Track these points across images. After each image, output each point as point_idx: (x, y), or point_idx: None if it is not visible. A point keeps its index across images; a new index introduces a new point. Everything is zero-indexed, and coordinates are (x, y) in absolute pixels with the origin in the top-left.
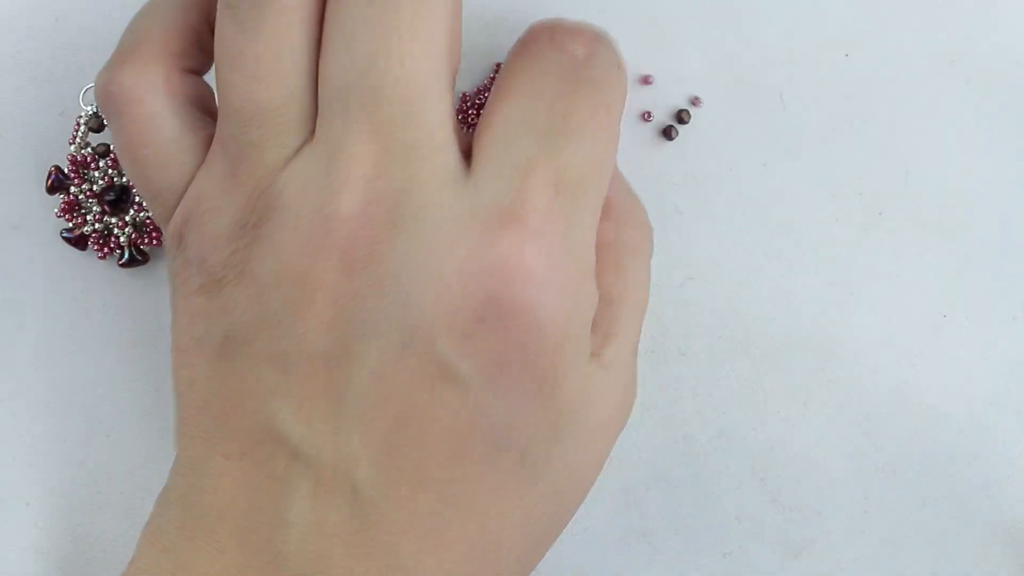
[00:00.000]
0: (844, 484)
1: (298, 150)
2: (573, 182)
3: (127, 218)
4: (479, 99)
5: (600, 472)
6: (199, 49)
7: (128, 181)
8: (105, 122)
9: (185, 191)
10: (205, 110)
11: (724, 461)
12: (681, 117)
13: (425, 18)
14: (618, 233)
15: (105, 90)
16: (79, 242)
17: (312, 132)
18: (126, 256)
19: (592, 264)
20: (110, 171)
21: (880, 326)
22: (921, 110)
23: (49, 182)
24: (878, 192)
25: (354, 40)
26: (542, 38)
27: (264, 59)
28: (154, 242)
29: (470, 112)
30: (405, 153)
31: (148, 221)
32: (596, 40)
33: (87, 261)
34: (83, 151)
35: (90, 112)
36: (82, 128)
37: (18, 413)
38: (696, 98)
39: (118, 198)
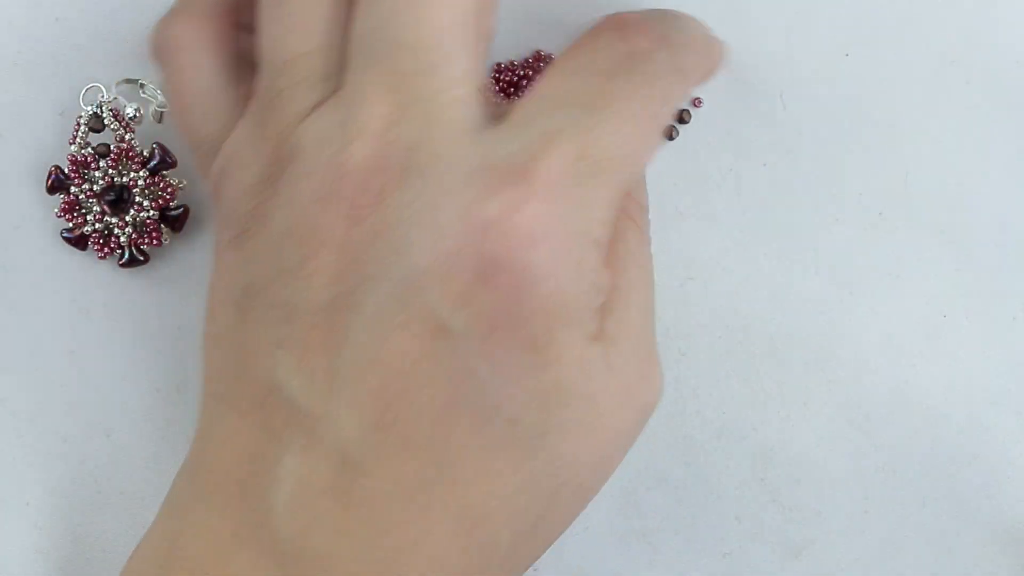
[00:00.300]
0: (844, 484)
1: (322, 93)
2: (596, 160)
3: (127, 218)
4: None
5: (608, 473)
6: (252, 7)
7: (128, 181)
8: (105, 122)
9: (224, 142)
10: (254, 66)
11: (724, 461)
12: (682, 117)
13: None
14: (618, 222)
15: (156, 40)
16: (79, 242)
17: (337, 80)
18: (126, 256)
19: (602, 246)
20: (110, 171)
21: (880, 326)
22: (921, 110)
23: (49, 182)
24: (878, 192)
25: (379, 3)
26: (610, 27)
27: (299, 11)
28: (154, 242)
29: None
30: (421, 106)
31: (148, 221)
32: (663, 39)
33: (87, 261)
34: (83, 151)
35: (90, 112)
36: (82, 128)
37: (18, 413)
38: (697, 99)
39: (118, 198)
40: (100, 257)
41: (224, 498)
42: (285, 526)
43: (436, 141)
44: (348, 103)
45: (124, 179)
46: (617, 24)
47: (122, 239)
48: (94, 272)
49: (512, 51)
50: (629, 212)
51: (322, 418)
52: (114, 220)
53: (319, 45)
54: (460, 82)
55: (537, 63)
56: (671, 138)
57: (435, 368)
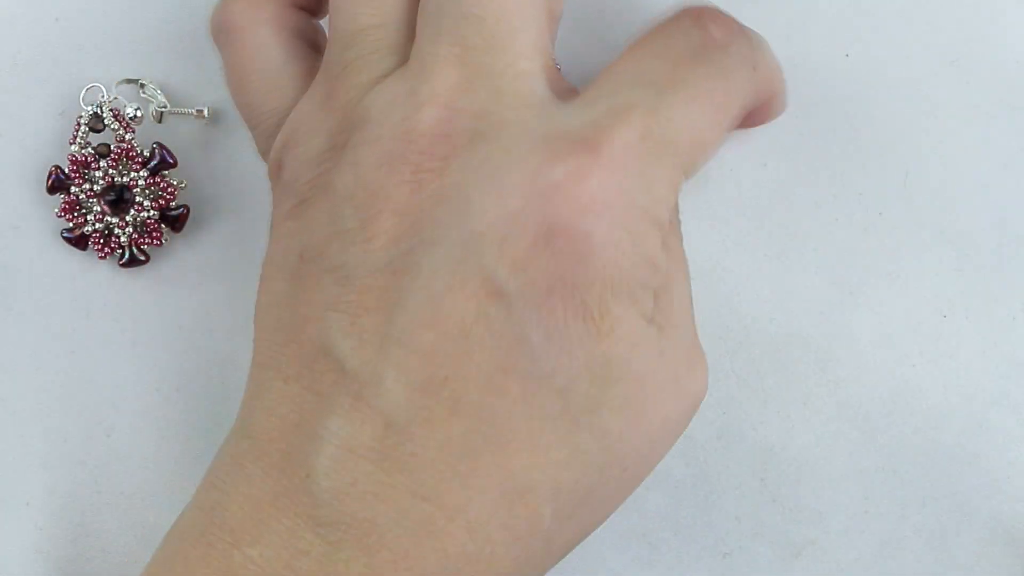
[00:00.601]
0: (844, 484)
1: (391, 63)
2: (663, 138)
3: (128, 218)
4: None
5: (654, 463)
6: None
7: (128, 181)
8: (105, 122)
9: (286, 118)
10: (313, 46)
11: (724, 461)
12: None
13: None
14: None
15: (217, 20)
16: (79, 242)
17: (407, 51)
18: (126, 256)
19: (662, 227)
20: (110, 171)
21: (880, 326)
22: (921, 110)
23: (49, 182)
24: (878, 192)
25: None
26: (688, 15)
27: None
28: (154, 242)
29: None
30: (489, 76)
31: (148, 221)
32: (739, 32)
33: (87, 261)
34: (83, 151)
35: (90, 112)
36: (82, 128)
37: (18, 413)
38: None
39: (118, 198)
40: (100, 257)
41: (266, 464)
42: (324, 490)
43: (504, 110)
44: (416, 73)
45: (124, 179)
46: (695, 13)
47: (122, 239)
48: (94, 272)
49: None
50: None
51: (370, 379)
52: (114, 220)
53: (388, 18)
54: (528, 57)
55: None
56: None
57: (488, 332)
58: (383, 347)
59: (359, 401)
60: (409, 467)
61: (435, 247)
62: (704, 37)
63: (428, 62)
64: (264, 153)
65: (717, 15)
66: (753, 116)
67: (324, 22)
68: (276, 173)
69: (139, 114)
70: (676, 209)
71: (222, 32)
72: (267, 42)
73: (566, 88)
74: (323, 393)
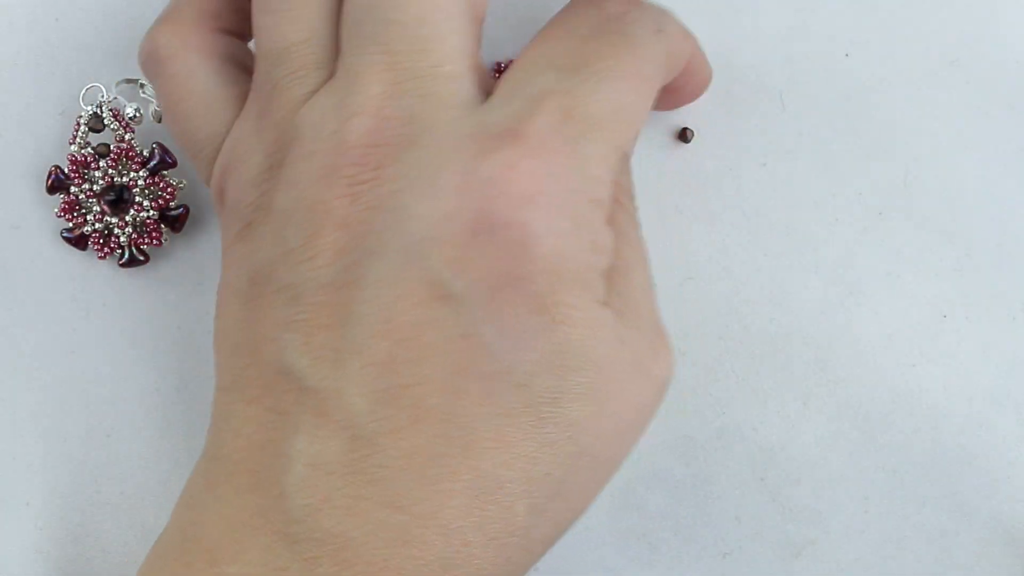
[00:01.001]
0: (844, 484)
1: (319, 79)
2: (584, 116)
3: (127, 218)
4: None
5: (627, 449)
6: (237, 13)
7: (128, 181)
8: (105, 122)
9: (223, 143)
10: (244, 69)
11: (724, 461)
12: (684, 135)
13: None
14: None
15: (144, 51)
16: (79, 242)
17: (333, 65)
18: (126, 256)
19: (602, 205)
20: (110, 171)
21: (880, 326)
22: (921, 110)
23: (49, 182)
24: (878, 192)
25: None
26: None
27: (291, 0)
28: (154, 242)
29: None
30: (416, 80)
31: (148, 221)
32: (634, 1)
33: (87, 261)
34: (83, 151)
35: (90, 112)
36: (82, 128)
37: (18, 413)
38: (688, 129)
39: (118, 198)
40: (100, 257)
41: (237, 485)
42: (297, 507)
43: (430, 114)
44: (344, 84)
45: (124, 179)
46: None
47: (122, 239)
48: (94, 272)
49: (512, 51)
50: (615, 195)
51: (330, 395)
52: (114, 220)
53: (313, 32)
54: (452, 59)
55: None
56: (687, 140)
57: (440, 335)
58: (339, 362)
59: (322, 417)
60: (378, 478)
61: (378, 257)
62: (601, 13)
63: (354, 72)
64: (206, 180)
65: None
66: (680, 86)
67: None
68: (219, 198)
69: (139, 114)
70: (628, 192)
71: (151, 63)
72: (197, 69)
73: (493, 85)
74: (286, 412)
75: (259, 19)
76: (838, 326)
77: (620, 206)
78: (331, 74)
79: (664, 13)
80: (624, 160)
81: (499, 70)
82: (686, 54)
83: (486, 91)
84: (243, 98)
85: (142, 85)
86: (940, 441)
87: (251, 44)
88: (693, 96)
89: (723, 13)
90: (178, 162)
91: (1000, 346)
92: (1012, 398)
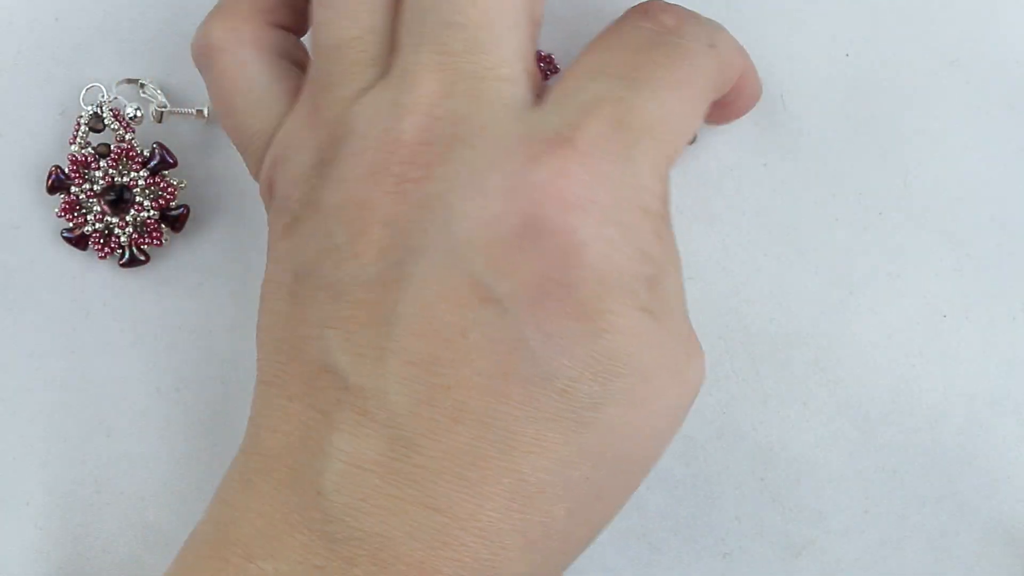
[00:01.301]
0: (844, 484)
1: (373, 75)
2: (637, 125)
3: (128, 218)
4: None
5: (661, 451)
6: (291, 7)
7: (128, 181)
8: (105, 122)
9: (274, 138)
10: (296, 64)
11: (724, 461)
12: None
13: None
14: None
15: (197, 44)
16: (79, 242)
17: (388, 62)
18: (126, 256)
19: (652, 216)
20: (111, 171)
21: (880, 326)
22: (921, 110)
23: (49, 182)
24: (878, 192)
25: None
26: (636, 11)
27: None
28: (154, 242)
29: None
30: (470, 82)
31: (148, 221)
32: (689, 16)
33: (87, 261)
34: (83, 151)
35: (90, 112)
36: (82, 128)
37: (18, 413)
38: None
39: (118, 198)
40: (100, 257)
41: (275, 482)
42: (335, 506)
43: (483, 115)
44: (399, 82)
45: (124, 179)
46: (643, 8)
47: (122, 239)
48: (94, 272)
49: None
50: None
51: (372, 394)
52: (114, 220)
53: (369, 28)
54: (508, 62)
55: (538, 63)
56: (690, 142)
57: (484, 338)
58: (382, 360)
59: (363, 416)
60: (418, 479)
61: (423, 256)
62: (656, 26)
63: (410, 71)
64: (256, 174)
65: (664, 5)
66: (731, 102)
67: (306, 39)
68: (268, 193)
69: (139, 114)
70: (666, 198)
71: (204, 56)
72: (250, 63)
73: (547, 90)
74: (327, 410)
75: (318, 13)
76: (838, 326)
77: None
78: (386, 72)
79: (718, 29)
80: (667, 164)
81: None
82: (738, 70)
83: (539, 95)
84: (295, 93)
85: (142, 85)
86: (940, 441)
87: (306, 39)
88: (742, 112)
89: (723, 13)
90: (178, 162)
91: (1000, 346)
92: (1012, 398)
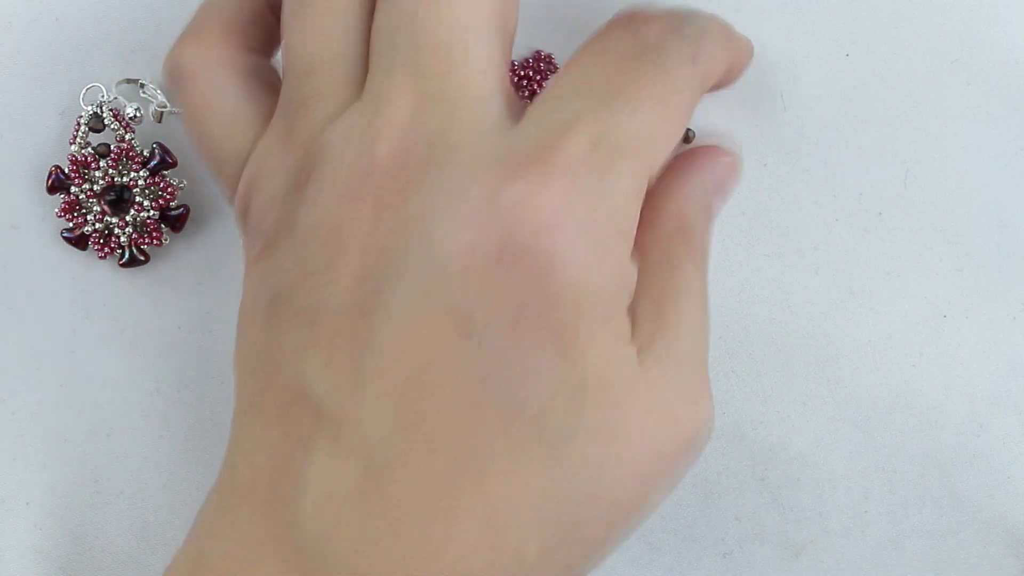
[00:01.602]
0: (844, 484)
1: (346, 98)
2: (615, 145)
3: (128, 218)
4: None
5: (649, 499)
6: (261, 30)
7: (128, 181)
8: (105, 122)
9: (247, 161)
10: (269, 86)
11: (724, 461)
12: (687, 136)
13: None
14: (678, 255)
15: (170, 66)
16: (79, 242)
17: (361, 84)
18: (126, 256)
19: (628, 235)
20: (110, 171)
21: (880, 326)
22: (921, 110)
23: (49, 182)
24: (878, 192)
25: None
26: (618, 22)
27: (320, 18)
28: (154, 242)
29: None
30: (443, 102)
31: (148, 221)
32: (671, 28)
33: (87, 261)
34: (83, 151)
35: (90, 112)
36: (82, 128)
37: (18, 413)
38: (689, 130)
39: (118, 198)
40: (100, 257)
41: (251, 508)
42: (309, 533)
43: (456, 137)
44: (372, 104)
45: (124, 179)
46: (625, 19)
47: (122, 239)
48: (94, 272)
49: (512, 51)
50: (688, 250)
51: (347, 420)
52: (114, 220)
53: (342, 50)
54: (481, 81)
55: (537, 63)
56: (688, 141)
57: (460, 363)
58: (357, 387)
59: (337, 444)
60: (391, 507)
61: (399, 284)
62: (637, 40)
63: (383, 93)
64: (230, 199)
65: (647, 17)
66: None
67: (277, 61)
68: (243, 217)
69: (139, 114)
70: (702, 238)
71: (175, 77)
72: (222, 85)
73: (523, 107)
74: (302, 436)
75: (288, 37)
76: (838, 326)
77: (690, 258)
78: (359, 94)
79: (701, 38)
80: (704, 223)
81: (513, 70)
82: (723, 69)
83: (514, 112)
84: (268, 116)
85: (142, 85)
86: (940, 441)
87: (276, 60)
88: (726, 87)
89: (723, 13)
90: (178, 162)
91: (1000, 346)
92: (1012, 398)
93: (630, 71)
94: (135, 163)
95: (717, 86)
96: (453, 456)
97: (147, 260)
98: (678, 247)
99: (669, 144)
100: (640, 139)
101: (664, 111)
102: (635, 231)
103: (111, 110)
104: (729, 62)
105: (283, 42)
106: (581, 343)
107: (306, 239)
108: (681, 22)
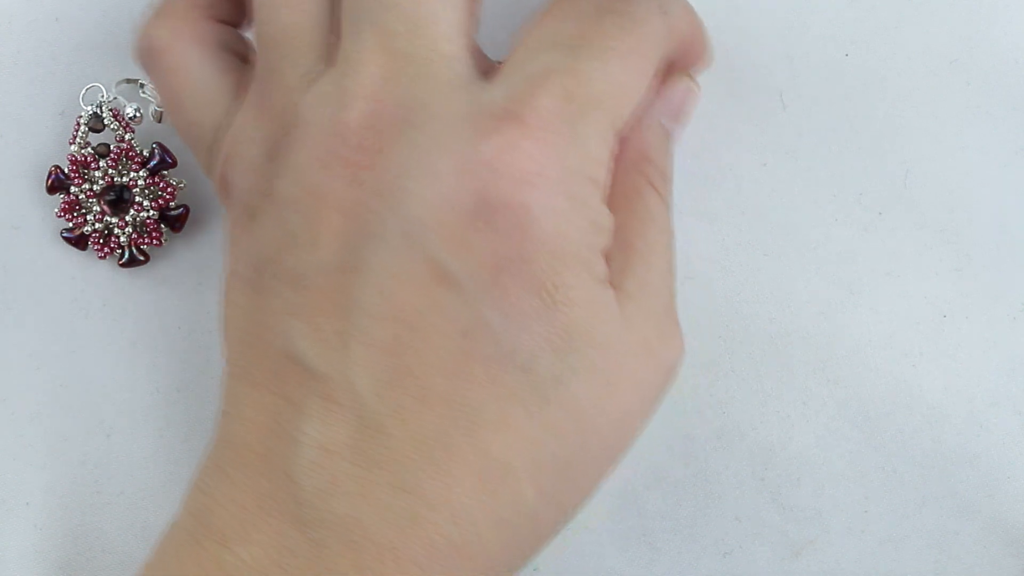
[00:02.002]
0: (844, 484)
1: (318, 66)
2: (586, 96)
3: (127, 218)
4: None
5: (633, 432)
6: (228, 1)
7: (128, 181)
8: (105, 122)
9: (224, 132)
10: (241, 57)
11: (724, 461)
12: None
13: None
14: (639, 184)
15: (140, 46)
16: (79, 242)
17: (333, 53)
18: (126, 256)
19: (601, 183)
20: (110, 171)
21: (880, 326)
22: (921, 110)
23: (49, 182)
24: (878, 192)
25: None
26: None
27: None
28: (154, 242)
29: None
30: (412, 63)
31: (148, 221)
32: None
33: (87, 261)
34: (83, 151)
35: (90, 112)
36: (82, 128)
37: (18, 413)
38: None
39: (118, 198)
40: (100, 257)
41: (248, 469)
42: (306, 492)
43: (429, 96)
44: (343, 69)
45: (124, 179)
46: None
47: (122, 239)
48: (94, 272)
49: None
50: (649, 177)
51: (337, 380)
52: (114, 220)
53: (311, 18)
54: (449, 39)
55: None
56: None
57: (443, 318)
58: (345, 347)
59: (329, 402)
60: (386, 461)
61: (379, 241)
62: None
63: (353, 57)
64: (209, 172)
65: None
66: (678, 63)
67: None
68: (223, 187)
69: (139, 114)
70: (664, 175)
71: (146, 57)
72: (194, 59)
73: (491, 66)
74: (294, 398)
75: (257, 7)
76: (838, 326)
77: (652, 188)
78: (331, 59)
79: None
80: (664, 152)
81: None
82: (689, 35)
83: (483, 70)
84: (241, 86)
85: (142, 85)
86: (940, 441)
87: (248, 32)
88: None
89: (723, 13)
90: (178, 162)
91: (1000, 346)
92: (1012, 398)
93: (599, 23)
94: (135, 163)
95: (685, 59)
96: (444, 409)
97: (147, 260)
98: (638, 176)
99: (637, 94)
100: (610, 89)
101: (634, 61)
102: (609, 177)
103: (111, 110)
104: (697, 28)
105: (253, 11)
106: (562, 290)
107: (286, 206)
108: None
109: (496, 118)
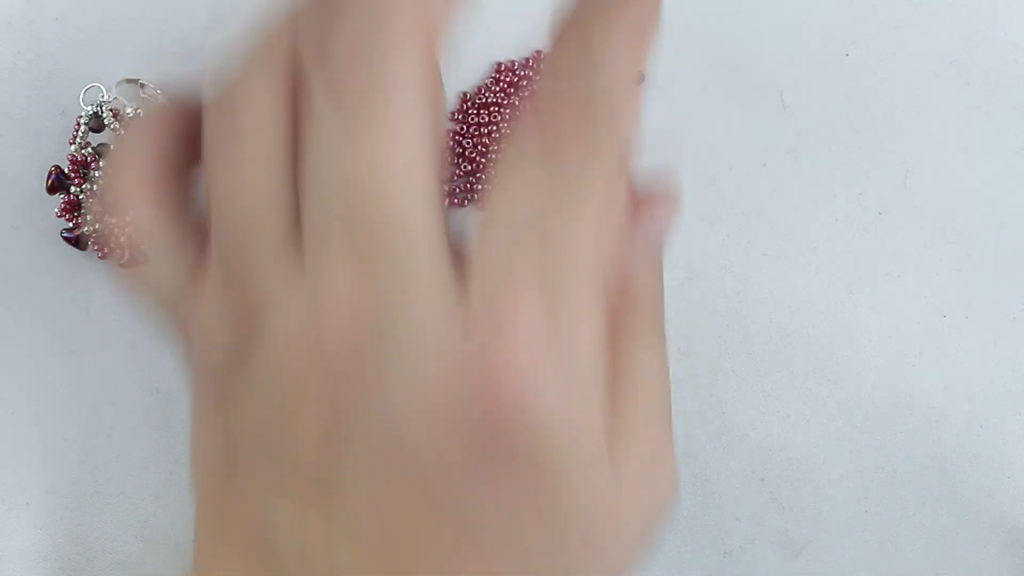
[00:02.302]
0: (844, 484)
1: (283, 262)
2: (561, 275)
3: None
4: (479, 98)
5: (629, 569)
6: (189, 146)
7: None
8: (105, 122)
9: (183, 286)
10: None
11: (724, 461)
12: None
13: (400, 125)
14: (624, 321)
15: (104, 196)
16: (79, 242)
17: (296, 239)
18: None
19: (598, 364)
20: None
21: (880, 326)
22: (921, 110)
23: (49, 182)
24: (878, 192)
25: (326, 154)
26: (526, 138)
27: (243, 168)
28: None
29: (470, 112)
30: (385, 279)
31: None
32: (589, 151)
33: (87, 261)
34: (83, 151)
35: (90, 112)
36: (82, 128)
37: (18, 413)
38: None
39: None
40: (100, 257)
41: None
42: None
43: (406, 311)
44: (314, 279)
45: None
46: (541, 143)
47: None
48: (94, 272)
49: (512, 51)
50: (636, 330)
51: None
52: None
53: (268, 200)
54: (426, 241)
55: (537, 63)
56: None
57: (436, 517)
58: (329, 546)
59: None
60: None
61: (361, 444)
62: (555, 172)
63: (322, 272)
64: (168, 327)
65: (561, 135)
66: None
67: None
68: (188, 351)
69: (139, 114)
70: (655, 331)
71: (112, 208)
72: (153, 213)
73: (460, 247)
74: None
75: (212, 182)
76: (838, 326)
77: (642, 341)
78: (293, 244)
79: (613, 138)
80: (653, 294)
81: (498, 71)
82: (636, 110)
83: (458, 261)
84: (202, 235)
85: (142, 85)
86: (940, 441)
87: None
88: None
89: (723, 13)
90: None
91: (1000, 346)
92: (1012, 398)
93: (560, 213)
94: None
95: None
96: None
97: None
98: (625, 328)
99: (615, 243)
100: (586, 265)
101: (600, 221)
102: (605, 349)
103: (111, 110)
104: (636, 99)
105: (208, 183)
106: (564, 495)
107: (262, 403)
108: (594, 127)
109: (479, 343)
